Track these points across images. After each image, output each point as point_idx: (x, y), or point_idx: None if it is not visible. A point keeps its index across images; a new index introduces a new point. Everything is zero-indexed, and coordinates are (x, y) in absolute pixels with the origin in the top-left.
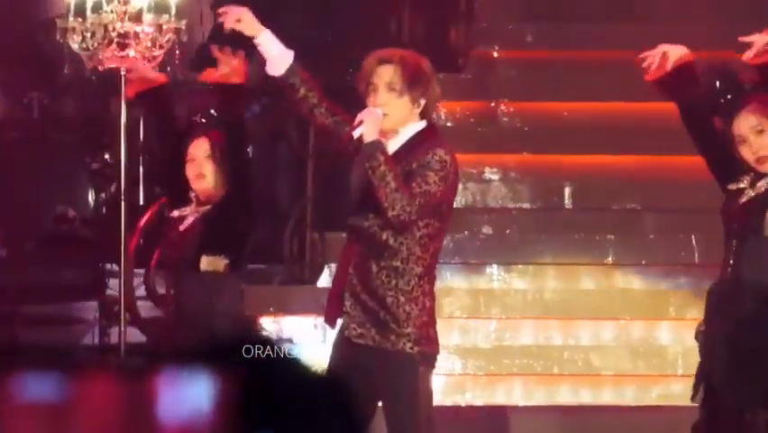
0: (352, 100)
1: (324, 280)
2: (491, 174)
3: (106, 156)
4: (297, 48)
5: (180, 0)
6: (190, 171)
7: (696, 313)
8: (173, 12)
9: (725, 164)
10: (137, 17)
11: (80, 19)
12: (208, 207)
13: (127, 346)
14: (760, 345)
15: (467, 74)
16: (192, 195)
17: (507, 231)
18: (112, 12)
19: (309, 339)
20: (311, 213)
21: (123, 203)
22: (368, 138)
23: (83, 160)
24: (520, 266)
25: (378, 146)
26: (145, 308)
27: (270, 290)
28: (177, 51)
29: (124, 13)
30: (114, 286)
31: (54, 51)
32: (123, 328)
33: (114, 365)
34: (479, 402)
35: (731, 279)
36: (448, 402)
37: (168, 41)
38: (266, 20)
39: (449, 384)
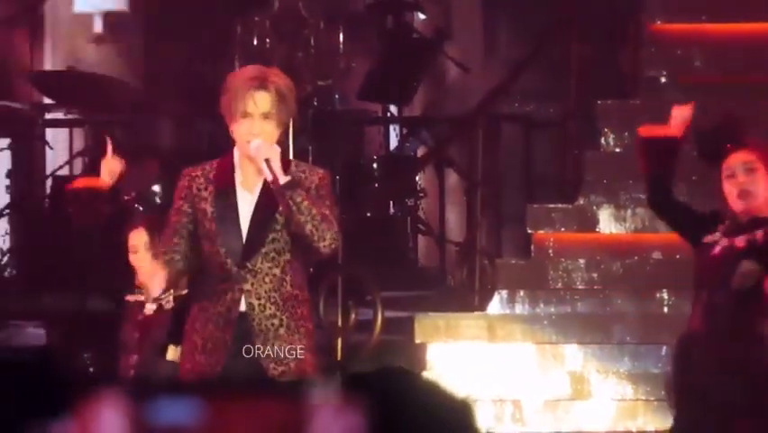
0: (513, 127)
1: (494, 307)
2: None
3: None
4: (458, 73)
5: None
6: None
7: None
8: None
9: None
10: None
11: None
12: None
13: None
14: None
15: (635, 99)
16: None
17: (677, 256)
18: None
19: (478, 366)
20: (480, 239)
21: None
22: (281, 177)
23: None
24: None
25: (296, 183)
26: None
27: (440, 316)
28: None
29: None
30: None
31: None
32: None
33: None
34: (650, 428)
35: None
36: (620, 428)
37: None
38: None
39: (621, 410)
